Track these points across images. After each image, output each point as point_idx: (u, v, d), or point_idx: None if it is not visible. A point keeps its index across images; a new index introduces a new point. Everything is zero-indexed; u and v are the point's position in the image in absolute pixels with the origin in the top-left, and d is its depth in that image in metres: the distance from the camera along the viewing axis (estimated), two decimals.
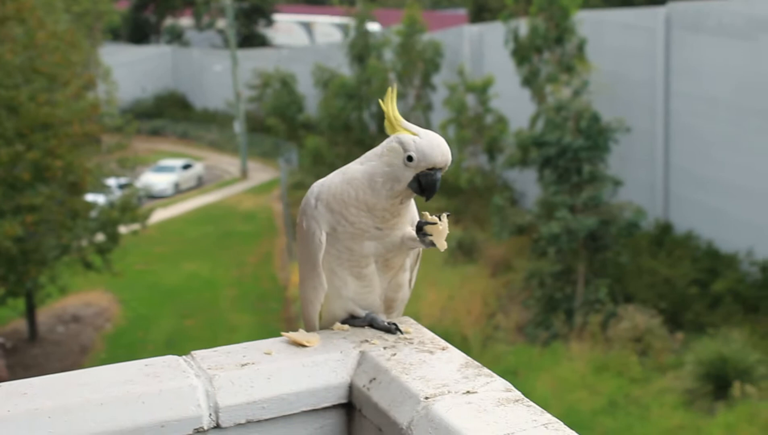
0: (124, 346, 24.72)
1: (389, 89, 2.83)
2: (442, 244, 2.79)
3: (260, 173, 42.59)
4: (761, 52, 22.20)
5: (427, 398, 2.39)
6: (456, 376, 2.52)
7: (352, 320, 2.90)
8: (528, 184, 28.82)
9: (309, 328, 2.92)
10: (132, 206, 25.78)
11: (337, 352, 2.68)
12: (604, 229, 22.48)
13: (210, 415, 2.44)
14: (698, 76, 24.08)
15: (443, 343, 2.75)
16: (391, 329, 2.85)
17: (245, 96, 46.09)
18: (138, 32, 64.54)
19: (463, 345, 21.71)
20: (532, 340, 22.05)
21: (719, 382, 18.39)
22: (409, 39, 33.67)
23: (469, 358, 2.64)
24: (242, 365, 2.56)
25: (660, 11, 25.40)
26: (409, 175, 2.71)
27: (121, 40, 63.10)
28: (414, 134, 2.73)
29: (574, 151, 22.29)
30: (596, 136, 22.46)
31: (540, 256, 23.85)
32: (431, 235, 2.77)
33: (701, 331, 20.59)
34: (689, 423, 17.79)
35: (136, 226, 26.22)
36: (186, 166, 41.86)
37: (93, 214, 24.54)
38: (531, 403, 2.37)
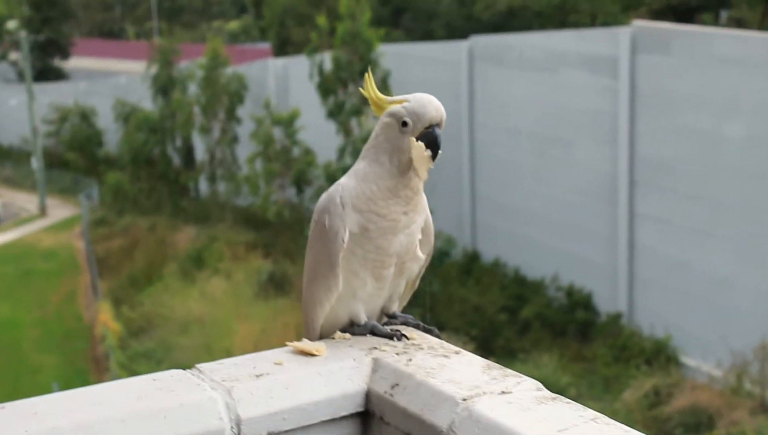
0: None
1: (366, 74, 2.77)
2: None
3: (60, 210, 41.32)
4: (560, 84, 23.00)
5: (464, 400, 2.32)
6: (484, 377, 2.46)
7: (352, 328, 2.81)
8: None
9: (310, 333, 2.82)
10: None
11: (349, 359, 2.59)
12: None
13: (232, 428, 2.33)
14: (502, 108, 24.74)
15: (454, 347, 2.69)
16: (396, 336, 2.77)
17: (42, 131, 44.75)
18: None
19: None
20: None
21: None
22: (213, 72, 33.39)
23: (487, 360, 2.59)
24: (257, 376, 2.45)
25: (463, 45, 26.03)
26: (408, 141, 2.65)
27: None
28: (402, 101, 2.67)
29: None
30: None
31: None
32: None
33: (512, 356, 21.05)
34: None
35: None
36: None
37: None
38: (568, 400, 2.33)
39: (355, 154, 23.73)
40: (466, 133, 25.84)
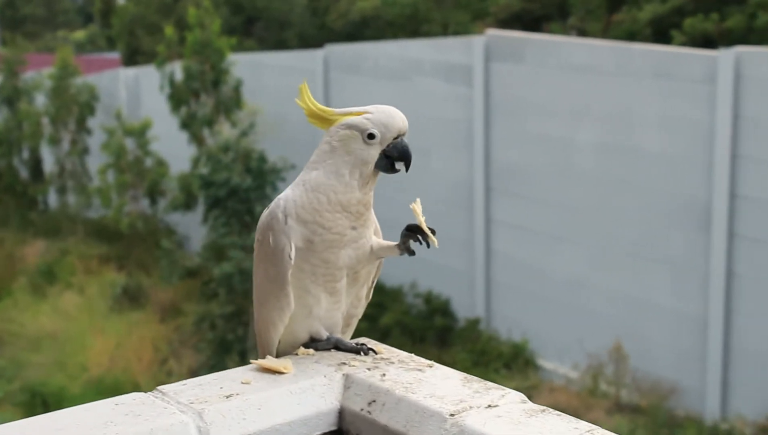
0: None
1: (301, 86, 2.72)
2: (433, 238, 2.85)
3: None
4: (416, 92, 23.20)
5: (452, 415, 2.26)
6: (466, 391, 2.41)
7: (314, 344, 2.72)
8: (191, 227, 28.60)
9: (267, 354, 2.71)
10: None
11: (320, 376, 2.52)
12: None
13: None
14: None
15: (425, 360, 2.66)
16: (362, 350, 2.70)
17: None
18: None
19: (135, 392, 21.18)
20: None
21: None
22: (62, 82, 32.62)
23: (463, 373, 2.55)
24: (227, 397, 2.37)
25: (318, 54, 26.02)
26: (374, 153, 2.62)
27: None
28: (359, 114, 2.63)
29: (244, 191, 22.33)
30: (265, 176, 22.61)
31: (210, 299, 23.66)
32: (422, 238, 2.73)
33: None
34: None
35: None
36: None
37: None
38: (557, 411, 2.31)
39: (210, 164, 23.43)
40: None
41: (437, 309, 22.69)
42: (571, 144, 19.97)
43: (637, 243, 18.76)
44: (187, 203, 26.59)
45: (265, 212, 2.72)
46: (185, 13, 29.77)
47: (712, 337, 17.41)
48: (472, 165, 21.90)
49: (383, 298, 23.59)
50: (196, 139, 26.15)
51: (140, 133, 29.43)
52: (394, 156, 2.66)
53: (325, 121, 2.74)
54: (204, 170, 23.77)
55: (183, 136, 26.94)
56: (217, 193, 22.57)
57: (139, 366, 22.82)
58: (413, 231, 2.77)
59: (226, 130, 24.57)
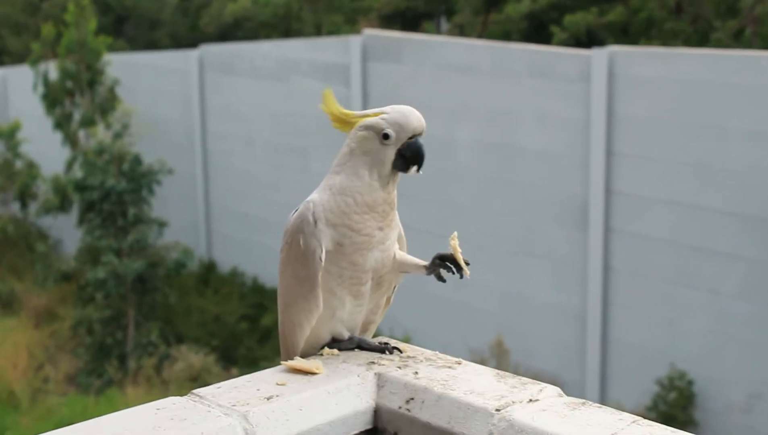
0: None
1: (325, 92, 2.72)
2: (467, 270, 2.83)
3: None
4: (293, 92, 23.17)
5: (498, 410, 2.26)
6: (503, 386, 2.43)
7: (337, 344, 2.70)
8: (65, 230, 28.06)
9: (292, 356, 2.69)
10: None
11: (353, 376, 2.53)
12: (152, 272, 22.32)
13: None
14: (235, 117, 24.65)
15: (451, 357, 2.66)
16: (388, 349, 2.70)
17: None
18: None
19: (10, 400, 20.75)
20: (85, 389, 21.41)
21: None
22: None
23: (494, 369, 2.56)
24: (267, 398, 2.36)
25: (193, 54, 25.76)
26: (390, 153, 2.61)
27: None
28: (377, 114, 2.62)
29: (118, 194, 21.97)
30: (140, 179, 22.28)
31: (87, 303, 23.25)
32: (455, 269, 2.71)
33: (254, 365, 20.97)
34: None
35: None
36: None
37: None
38: (597, 403, 2.33)
39: (85, 166, 23.03)
40: (199, 143, 25.60)
41: None
42: (450, 142, 20.18)
43: (517, 239, 19.07)
44: (61, 206, 26.07)
45: (294, 215, 2.73)
46: (53, 13, 29.18)
47: (590, 329, 17.81)
48: None
49: (263, 298, 23.52)
50: (70, 140, 25.66)
51: (9, 135, 28.74)
52: (407, 156, 2.67)
53: (347, 124, 2.76)
54: (79, 173, 23.36)
55: (56, 138, 26.40)
56: (91, 196, 22.17)
57: (14, 373, 22.26)
58: (446, 260, 2.81)
59: (100, 132, 24.14)
